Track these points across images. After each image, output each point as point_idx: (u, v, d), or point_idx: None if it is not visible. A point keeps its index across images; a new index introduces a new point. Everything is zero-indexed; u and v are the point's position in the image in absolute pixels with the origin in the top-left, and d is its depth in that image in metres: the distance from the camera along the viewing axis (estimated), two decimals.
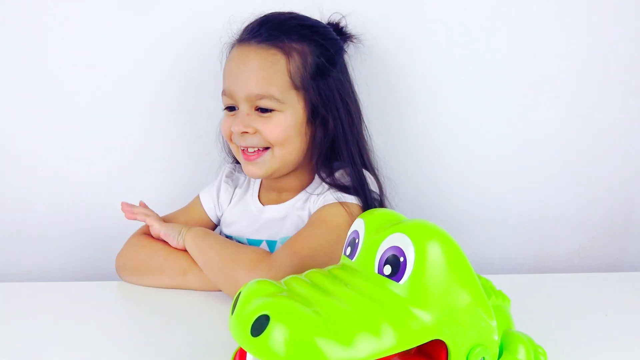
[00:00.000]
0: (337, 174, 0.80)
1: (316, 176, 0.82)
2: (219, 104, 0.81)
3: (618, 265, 1.04)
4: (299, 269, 0.52)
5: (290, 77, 0.74)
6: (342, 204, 0.75)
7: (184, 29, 0.92)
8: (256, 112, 0.75)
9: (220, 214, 0.88)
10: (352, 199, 0.76)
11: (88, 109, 0.94)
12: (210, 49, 0.87)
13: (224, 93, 0.77)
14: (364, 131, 0.84)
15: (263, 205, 0.85)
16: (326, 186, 0.79)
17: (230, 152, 0.88)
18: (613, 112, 0.96)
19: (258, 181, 0.88)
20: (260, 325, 0.38)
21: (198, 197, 0.89)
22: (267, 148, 0.77)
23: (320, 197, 0.78)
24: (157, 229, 0.79)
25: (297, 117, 0.76)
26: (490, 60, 0.93)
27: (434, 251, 0.42)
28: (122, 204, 0.81)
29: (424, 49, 0.93)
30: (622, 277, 0.86)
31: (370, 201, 0.78)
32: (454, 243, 0.44)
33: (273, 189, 0.85)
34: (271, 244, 0.81)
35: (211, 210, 0.88)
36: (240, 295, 0.43)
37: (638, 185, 1.00)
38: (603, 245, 1.03)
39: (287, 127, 0.75)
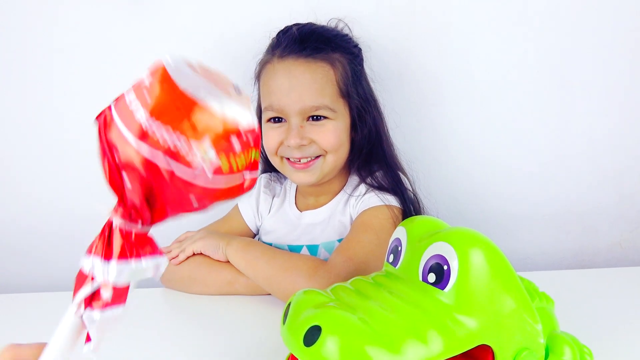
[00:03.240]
0: (379, 175, 0.82)
1: (350, 177, 0.84)
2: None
3: None
4: (355, 274, 0.54)
5: (338, 86, 0.77)
6: (385, 205, 0.77)
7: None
8: (308, 122, 0.77)
9: (260, 224, 0.90)
10: (391, 200, 0.78)
11: None
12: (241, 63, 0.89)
13: (269, 108, 0.78)
14: (387, 130, 0.86)
15: (300, 211, 0.87)
16: (363, 188, 0.80)
17: (265, 160, 0.90)
18: None
19: (294, 189, 0.89)
20: (312, 336, 0.40)
21: (237, 207, 0.91)
22: (318, 156, 0.78)
23: (359, 199, 0.80)
24: (195, 250, 0.80)
25: (345, 123, 0.79)
26: (523, 54, 0.93)
27: (477, 259, 0.43)
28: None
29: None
30: None
31: (407, 200, 0.80)
32: (496, 249, 0.45)
33: (311, 194, 0.87)
34: (312, 249, 0.83)
35: (251, 221, 0.90)
36: (291, 305, 0.45)
37: None
38: None
39: (340, 133, 0.78)
